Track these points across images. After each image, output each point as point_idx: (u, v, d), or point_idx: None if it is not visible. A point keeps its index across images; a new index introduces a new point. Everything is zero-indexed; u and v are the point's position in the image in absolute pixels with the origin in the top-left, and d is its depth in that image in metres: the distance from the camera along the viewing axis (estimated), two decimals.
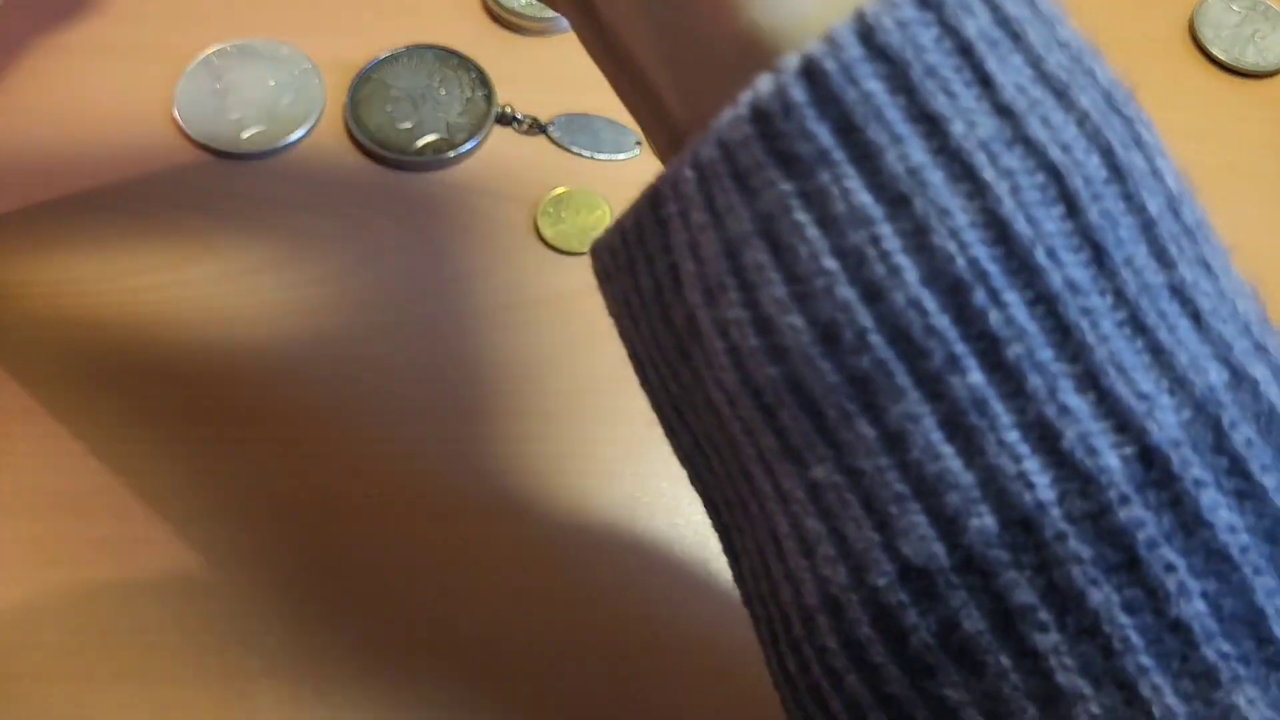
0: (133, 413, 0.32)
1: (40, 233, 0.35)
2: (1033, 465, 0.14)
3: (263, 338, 0.33)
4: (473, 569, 0.30)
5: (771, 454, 0.16)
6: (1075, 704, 0.14)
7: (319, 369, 0.33)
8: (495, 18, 0.40)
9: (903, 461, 0.15)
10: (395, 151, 0.37)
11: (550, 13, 0.39)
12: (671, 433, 0.19)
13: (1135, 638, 0.14)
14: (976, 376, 0.14)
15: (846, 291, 0.15)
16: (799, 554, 0.16)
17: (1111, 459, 0.14)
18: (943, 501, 0.15)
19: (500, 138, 0.37)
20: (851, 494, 0.15)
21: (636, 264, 0.18)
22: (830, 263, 0.15)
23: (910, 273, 0.14)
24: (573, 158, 0.37)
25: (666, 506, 0.31)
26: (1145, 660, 0.14)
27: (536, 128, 0.37)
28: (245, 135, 0.37)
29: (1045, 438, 0.14)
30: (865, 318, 0.15)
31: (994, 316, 0.14)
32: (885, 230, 0.14)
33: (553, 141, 0.37)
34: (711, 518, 0.19)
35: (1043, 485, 0.14)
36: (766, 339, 0.15)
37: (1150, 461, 0.14)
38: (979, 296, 0.14)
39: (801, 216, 0.15)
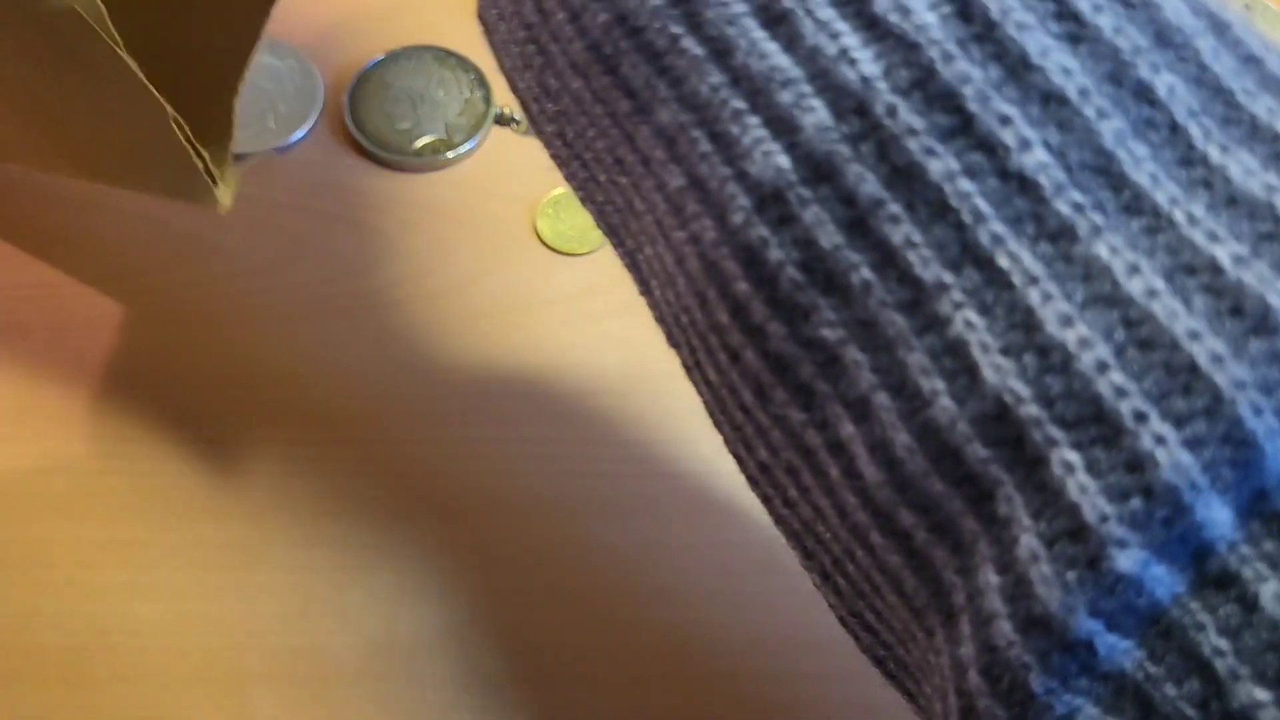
0: (131, 413, 0.32)
1: (39, 234, 0.35)
2: (852, 41, 0.14)
3: (262, 339, 0.33)
4: (475, 570, 0.30)
5: (628, 119, 0.16)
6: (939, 297, 0.13)
7: (318, 370, 0.33)
8: None
9: (731, 70, 0.15)
10: (394, 152, 0.37)
11: None
12: (570, 175, 0.19)
13: (983, 205, 0.13)
14: None
15: None
16: (675, 224, 0.16)
17: (928, 16, 0.14)
18: (775, 103, 0.14)
19: (499, 138, 0.37)
20: (698, 129, 0.15)
21: None
22: None
23: None
24: None
25: (669, 505, 0.32)
26: (997, 227, 0.13)
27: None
28: (243, 136, 0.37)
29: (858, 6, 0.14)
30: None
31: None
32: None
33: None
34: (621, 254, 0.19)
35: (865, 60, 0.14)
36: None
37: (969, 14, 0.14)
38: None
39: None
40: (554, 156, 0.20)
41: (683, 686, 0.29)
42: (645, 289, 0.18)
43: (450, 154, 0.37)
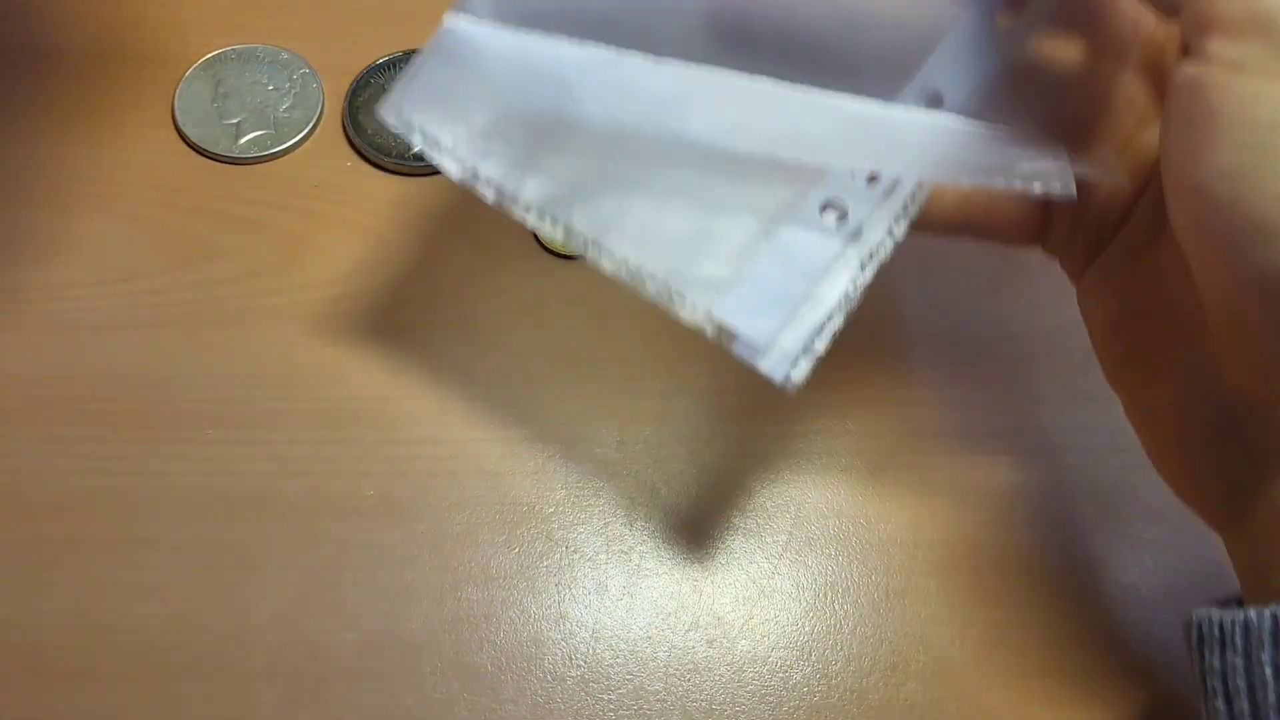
0: (134, 414, 0.32)
1: (39, 237, 0.35)
2: None
3: (261, 340, 0.33)
4: (476, 570, 0.31)
5: None
6: None
7: (316, 373, 0.33)
8: None
9: None
10: (393, 156, 0.37)
11: None
12: None
13: None
14: None
15: None
16: None
17: None
18: None
19: None
20: None
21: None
22: None
23: None
24: None
25: (662, 505, 0.32)
26: None
27: None
28: (244, 140, 0.37)
29: None
30: None
31: None
32: None
33: None
34: None
35: None
36: None
37: None
38: None
39: None
40: None
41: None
42: None
43: None
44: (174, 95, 0.37)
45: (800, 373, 0.25)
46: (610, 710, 0.29)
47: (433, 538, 0.31)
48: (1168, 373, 0.26)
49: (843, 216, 0.26)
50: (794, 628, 0.30)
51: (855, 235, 0.26)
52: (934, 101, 0.27)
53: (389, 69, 0.39)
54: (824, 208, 0.26)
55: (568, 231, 0.26)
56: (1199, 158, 0.21)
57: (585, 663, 0.30)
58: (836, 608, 0.31)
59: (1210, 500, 0.26)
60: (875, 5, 0.27)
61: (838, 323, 0.25)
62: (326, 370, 0.33)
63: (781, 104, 0.27)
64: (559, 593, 0.30)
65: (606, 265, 0.26)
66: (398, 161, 0.37)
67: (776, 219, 0.26)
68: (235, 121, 0.37)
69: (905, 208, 0.27)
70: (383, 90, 0.38)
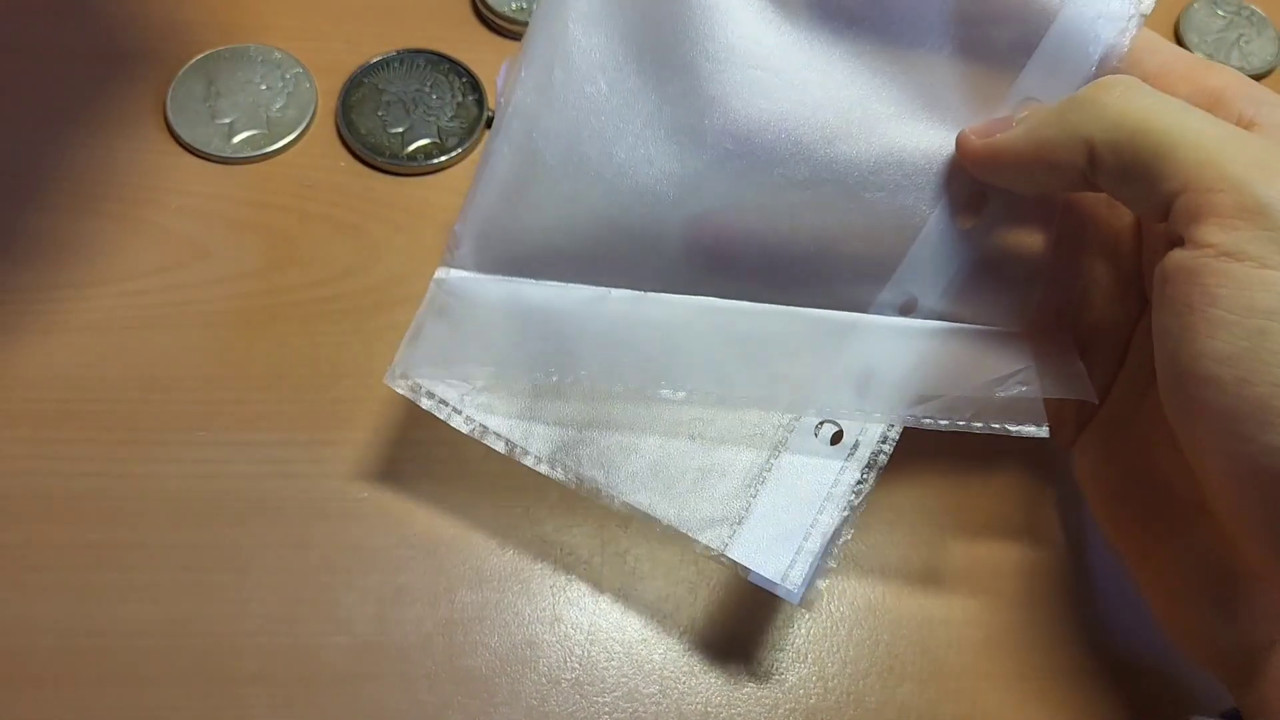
0: (126, 416, 0.32)
1: (34, 238, 0.35)
2: None
3: (255, 341, 0.33)
4: (470, 573, 0.30)
5: None
6: None
7: (312, 372, 0.33)
8: (486, 22, 0.40)
9: None
10: (387, 156, 0.37)
11: None
12: None
13: None
14: None
15: None
16: None
17: None
18: None
19: None
20: None
21: None
22: None
23: None
24: None
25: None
26: None
27: None
28: (237, 140, 0.37)
29: None
30: None
31: None
32: None
33: None
34: None
35: None
36: None
37: None
38: None
39: None
40: None
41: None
42: None
43: (443, 158, 0.37)
44: (166, 95, 0.37)
45: (813, 589, 0.26)
46: (605, 713, 0.29)
47: (426, 540, 0.31)
48: (1170, 538, 0.27)
49: (838, 434, 0.28)
50: (790, 630, 0.30)
51: (853, 449, 0.27)
52: (908, 307, 0.28)
53: (382, 68, 0.38)
54: (819, 426, 0.28)
55: (578, 480, 0.27)
56: (1199, 343, 0.22)
57: (580, 665, 0.29)
58: (833, 609, 0.31)
59: (1219, 660, 0.26)
60: (842, 222, 0.28)
61: (846, 537, 0.27)
62: (319, 371, 0.33)
63: (762, 325, 0.28)
64: (554, 595, 0.30)
65: (619, 508, 0.27)
66: (391, 161, 0.37)
67: (776, 446, 0.28)
68: (228, 121, 0.37)
69: (891, 422, 0.28)
70: (376, 90, 0.38)
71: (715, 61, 0.28)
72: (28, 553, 0.30)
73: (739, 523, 0.27)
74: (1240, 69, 0.42)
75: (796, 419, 0.28)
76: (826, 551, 0.26)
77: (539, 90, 0.28)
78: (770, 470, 0.27)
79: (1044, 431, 0.26)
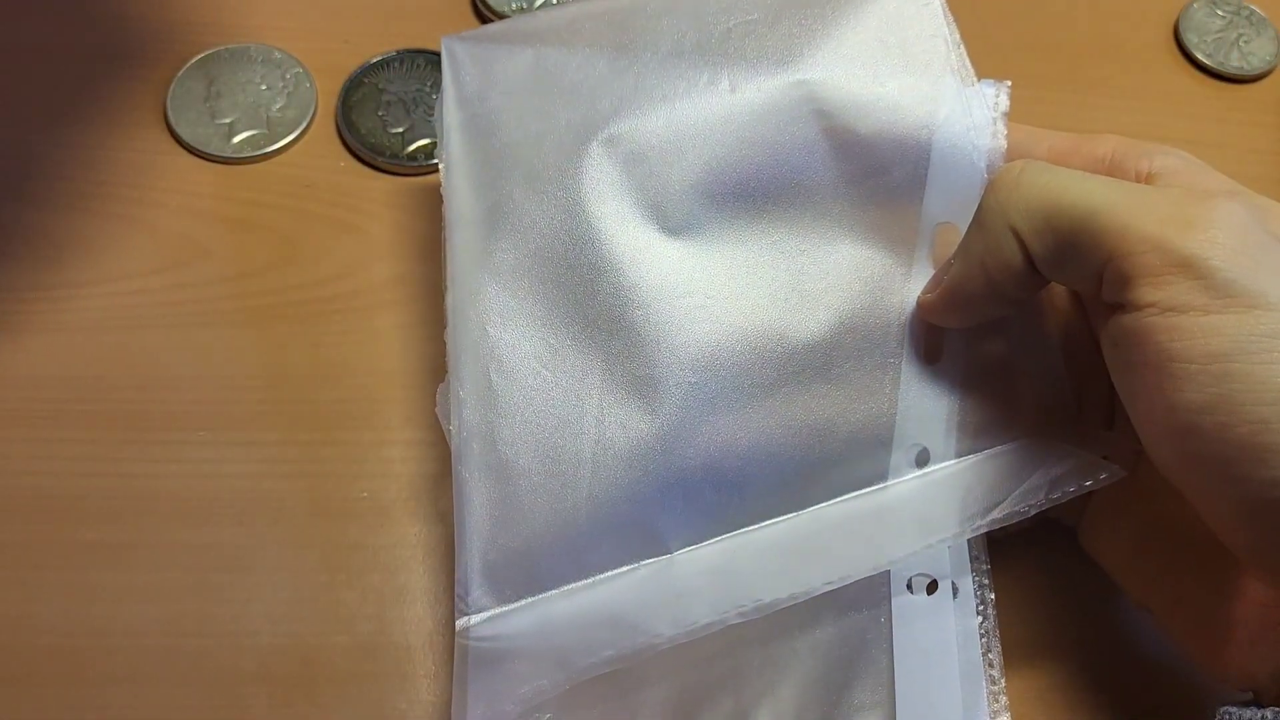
0: (126, 415, 0.32)
1: (33, 237, 0.35)
2: None
3: (255, 340, 0.33)
4: None
5: None
6: None
7: (312, 372, 0.33)
8: (487, 22, 0.40)
9: None
10: (387, 156, 0.37)
11: None
12: None
13: None
14: None
15: None
16: None
17: None
18: None
19: None
20: None
21: None
22: None
23: None
24: None
25: None
26: None
27: None
28: (237, 140, 0.37)
29: None
30: None
31: None
32: None
33: None
34: None
35: None
36: None
37: None
38: None
39: None
40: None
41: None
42: None
43: None
44: (166, 95, 0.37)
45: None
46: None
47: (426, 540, 0.31)
48: (1201, 578, 0.27)
49: (933, 584, 0.28)
50: None
51: (954, 594, 0.28)
52: (923, 459, 0.28)
53: (383, 68, 0.38)
54: (911, 580, 0.28)
55: None
56: (1170, 397, 0.22)
57: None
58: None
59: (1267, 685, 0.26)
60: (826, 404, 0.28)
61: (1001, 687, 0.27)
62: (319, 371, 0.33)
63: (793, 536, 0.28)
64: None
65: None
66: (391, 161, 0.37)
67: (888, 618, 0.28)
68: (228, 121, 0.37)
69: (975, 554, 0.28)
70: (376, 90, 0.38)
71: (643, 306, 0.27)
72: (28, 553, 0.30)
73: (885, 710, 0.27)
74: (1240, 69, 0.42)
75: (887, 599, 0.28)
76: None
77: (483, 403, 0.27)
78: (897, 647, 0.28)
79: (1119, 470, 0.27)
